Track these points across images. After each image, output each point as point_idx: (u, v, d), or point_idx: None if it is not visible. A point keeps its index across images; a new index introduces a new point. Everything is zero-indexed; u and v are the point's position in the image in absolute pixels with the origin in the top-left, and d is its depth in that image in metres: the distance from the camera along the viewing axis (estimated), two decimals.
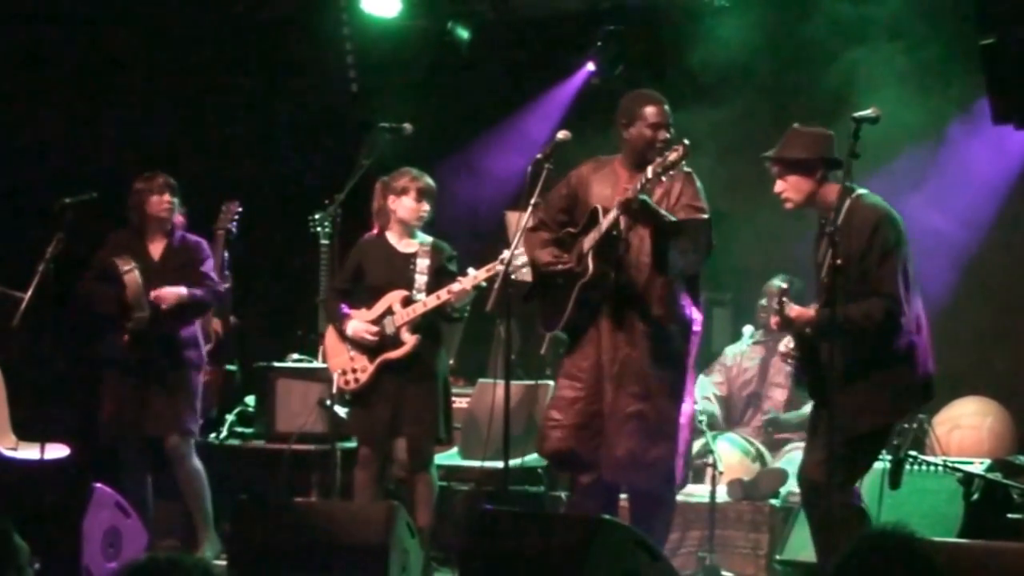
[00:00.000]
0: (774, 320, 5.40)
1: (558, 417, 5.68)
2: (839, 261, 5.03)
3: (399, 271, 6.58)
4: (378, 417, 6.54)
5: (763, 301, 7.58)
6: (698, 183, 5.70)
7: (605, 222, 5.51)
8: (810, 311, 5.28)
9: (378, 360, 6.54)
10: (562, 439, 5.65)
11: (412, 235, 6.66)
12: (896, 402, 5.27)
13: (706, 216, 5.61)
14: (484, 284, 6.34)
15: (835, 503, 5.03)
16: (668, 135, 5.70)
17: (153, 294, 6.70)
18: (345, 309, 6.62)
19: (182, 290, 6.78)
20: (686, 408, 5.72)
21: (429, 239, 6.66)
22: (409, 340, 6.49)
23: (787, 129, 5.47)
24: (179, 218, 7.06)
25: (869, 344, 5.18)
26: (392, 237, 6.67)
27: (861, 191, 5.34)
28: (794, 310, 5.25)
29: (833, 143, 5.39)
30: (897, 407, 5.31)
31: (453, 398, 7.89)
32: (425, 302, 6.46)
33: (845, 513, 5.07)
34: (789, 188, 5.39)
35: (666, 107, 5.74)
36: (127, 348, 6.74)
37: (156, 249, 6.91)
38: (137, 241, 6.89)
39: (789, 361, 5.47)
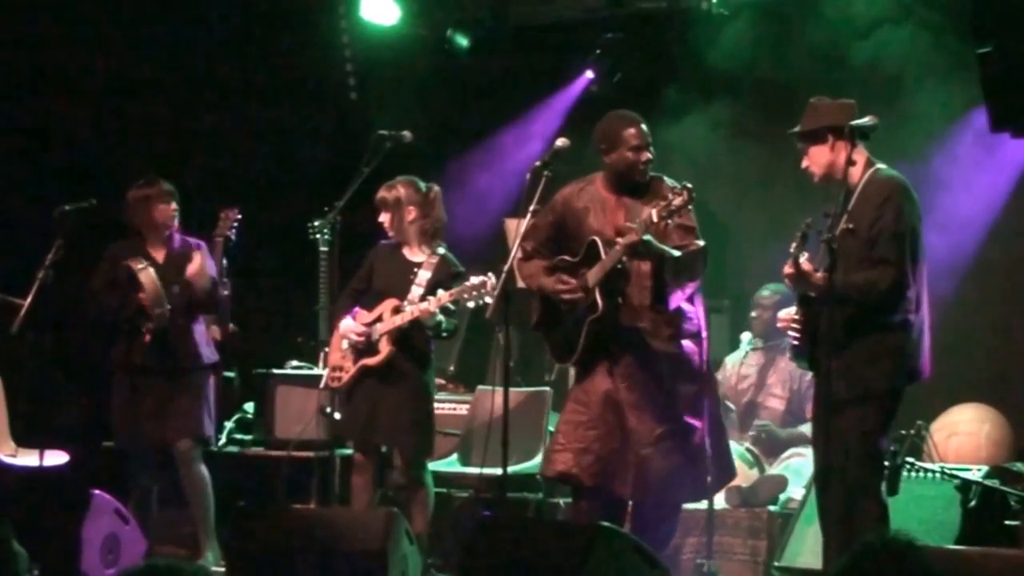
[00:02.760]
0: (788, 270, 5.31)
1: (563, 441, 5.69)
2: (851, 226, 5.11)
3: (401, 279, 6.56)
4: (357, 420, 6.57)
5: (754, 313, 7.59)
6: None
7: (609, 260, 5.49)
8: (821, 274, 5.26)
9: (359, 363, 6.57)
10: (565, 462, 5.65)
11: (424, 245, 6.60)
12: (892, 370, 5.25)
13: (702, 243, 5.60)
14: (452, 307, 6.32)
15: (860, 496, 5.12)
16: (650, 155, 5.70)
17: (188, 271, 6.72)
18: (357, 309, 6.62)
19: (209, 262, 6.83)
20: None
21: (442, 251, 6.61)
22: (384, 349, 6.49)
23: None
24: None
25: (870, 312, 5.20)
26: (405, 245, 6.66)
27: (880, 165, 5.40)
28: (808, 265, 5.26)
29: (847, 112, 5.40)
30: (892, 375, 5.26)
31: (454, 405, 7.87)
32: (404, 316, 6.45)
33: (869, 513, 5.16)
34: (810, 161, 5.48)
35: (644, 126, 5.72)
36: (145, 351, 6.73)
37: (159, 254, 6.92)
38: (139, 248, 6.89)
39: (789, 331, 5.45)
